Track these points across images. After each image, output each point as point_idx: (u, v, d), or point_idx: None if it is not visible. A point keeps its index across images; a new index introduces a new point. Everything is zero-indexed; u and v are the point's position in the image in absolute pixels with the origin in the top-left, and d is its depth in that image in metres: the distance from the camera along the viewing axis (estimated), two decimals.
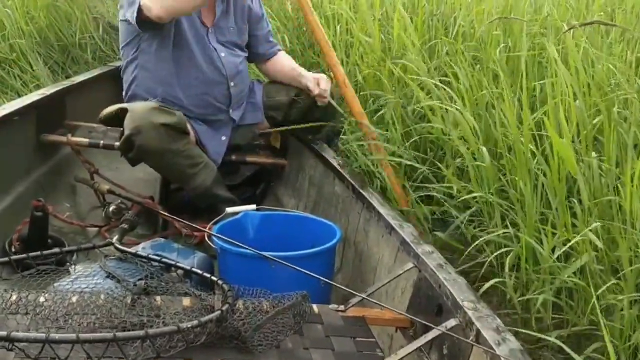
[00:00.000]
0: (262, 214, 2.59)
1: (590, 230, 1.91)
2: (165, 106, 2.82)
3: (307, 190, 3.10)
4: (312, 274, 1.90)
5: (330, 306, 2.01)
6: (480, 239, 2.24)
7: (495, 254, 2.19)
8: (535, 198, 2.16)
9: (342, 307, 2.01)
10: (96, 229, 3.03)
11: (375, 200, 2.40)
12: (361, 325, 1.94)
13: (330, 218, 2.78)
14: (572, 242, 1.93)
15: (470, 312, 1.68)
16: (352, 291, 1.94)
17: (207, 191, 2.92)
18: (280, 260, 2.00)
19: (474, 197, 2.39)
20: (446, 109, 2.64)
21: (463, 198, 2.42)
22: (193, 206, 3.12)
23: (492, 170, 2.38)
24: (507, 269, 2.08)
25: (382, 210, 2.31)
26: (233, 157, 3.17)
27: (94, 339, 1.45)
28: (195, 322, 1.57)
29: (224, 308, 1.68)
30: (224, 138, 3.02)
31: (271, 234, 2.57)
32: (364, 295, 1.96)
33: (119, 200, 3.07)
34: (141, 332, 1.49)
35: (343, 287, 1.92)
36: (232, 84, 2.99)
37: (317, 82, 3.00)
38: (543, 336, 1.85)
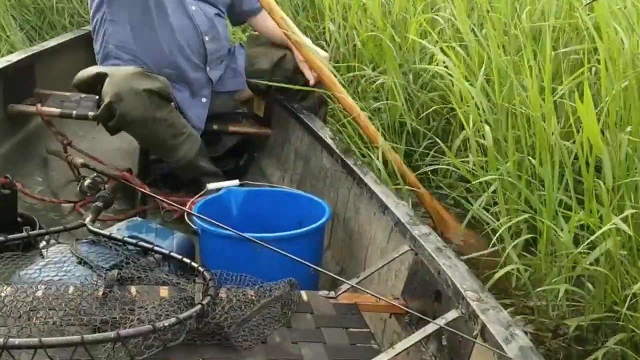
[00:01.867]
0: (246, 190, 2.44)
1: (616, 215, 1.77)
2: (148, 70, 2.64)
3: (293, 163, 2.94)
4: (300, 260, 1.75)
5: (320, 293, 1.87)
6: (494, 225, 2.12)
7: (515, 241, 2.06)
8: (554, 178, 2.02)
9: (332, 294, 1.87)
10: (71, 205, 2.86)
11: (367, 177, 2.25)
12: (354, 313, 1.81)
13: (318, 193, 2.63)
14: (603, 229, 1.78)
15: (474, 304, 1.54)
16: (344, 280, 1.80)
17: (190, 163, 2.77)
18: (265, 244, 1.85)
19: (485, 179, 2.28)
20: (451, 77, 2.48)
21: (477, 181, 2.29)
22: (174, 178, 2.97)
23: (512, 145, 2.23)
24: (514, 256, 1.94)
25: (374, 187, 2.16)
26: (215, 127, 3.00)
27: (58, 343, 1.30)
28: (173, 319, 1.42)
29: (204, 302, 1.53)
30: (204, 100, 2.86)
31: (256, 210, 2.42)
32: (354, 284, 1.82)
33: (95, 174, 2.89)
34: (112, 334, 1.34)
35: (335, 276, 1.77)
36: (206, 38, 2.84)
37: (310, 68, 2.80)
38: (564, 322, 1.72)
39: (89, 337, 1.31)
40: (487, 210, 2.34)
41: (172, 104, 2.68)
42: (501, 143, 2.32)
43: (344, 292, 1.87)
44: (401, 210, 2.00)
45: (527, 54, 2.31)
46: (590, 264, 1.81)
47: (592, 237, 1.80)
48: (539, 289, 1.98)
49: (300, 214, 2.38)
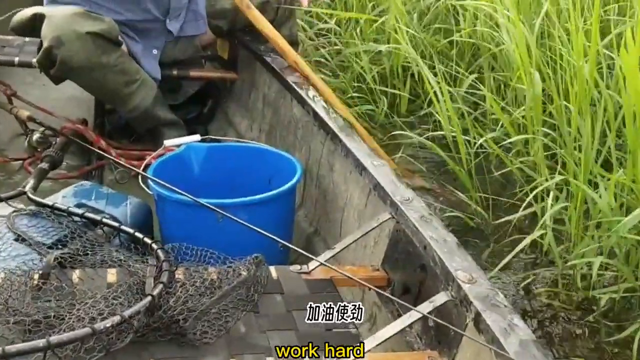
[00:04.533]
0: (208, 146, 2.20)
1: None
2: (92, 11, 2.35)
3: (261, 111, 2.69)
4: (269, 234, 1.53)
5: (292, 268, 1.66)
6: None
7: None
8: (595, 132, 1.86)
9: (305, 268, 1.66)
10: (19, 162, 2.61)
11: (343, 131, 2.02)
12: (329, 290, 1.61)
13: (289, 145, 2.41)
14: None
15: (465, 286, 1.35)
16: (316, 259, 1.58)
17: (146, 113, 2.53)
18: (228, 215, 1.63)
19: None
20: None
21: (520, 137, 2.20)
22: (133, 129, 2.71)
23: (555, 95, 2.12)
24: (548, 220, 1.77)
25: (349, 144, 1.93)
26: (174, 72, 2.73)
27: None
28: (116, 318, 1.21)
29: (155, 293, 1.31)
30: (155, 52, 2.58)
31: (220, 168, 2.20)
32: (323, 261, 1.61)
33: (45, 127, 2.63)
34: (41, 343, 1.13)
35: (309, 255, 1.56)
36: None
37: None
38: (596, 293, 1.55)
39: (12, 349, 1.10)
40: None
41: (123, 47, 2.41)
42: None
43: (319, 265, 1.66)
44: (381, 171, 1.78)
45: None
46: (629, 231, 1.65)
47: None
48: (573, 262, 1.83)
49: (269, 170, 2.16)
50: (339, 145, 1.99)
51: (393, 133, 2.77)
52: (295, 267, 1.66)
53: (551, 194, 1.97)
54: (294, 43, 2.76)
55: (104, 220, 1.73)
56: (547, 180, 2.03)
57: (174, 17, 2.60)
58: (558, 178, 1.99)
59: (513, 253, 1.93)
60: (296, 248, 1.51)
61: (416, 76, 2.93)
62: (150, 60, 2.56)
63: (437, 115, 2.58)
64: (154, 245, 1.56)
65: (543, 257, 2.00)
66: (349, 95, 3.07)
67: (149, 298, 1.29)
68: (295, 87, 2.34)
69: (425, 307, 1.39)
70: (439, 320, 1.28)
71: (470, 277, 1.37)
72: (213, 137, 2.28)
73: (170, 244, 1.67)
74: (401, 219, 1.63)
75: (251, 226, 1.58)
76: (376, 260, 1.76)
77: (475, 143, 2.41)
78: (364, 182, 1.85)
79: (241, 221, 1.60)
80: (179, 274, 1.50)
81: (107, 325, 1.19)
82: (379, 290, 1.50)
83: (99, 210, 1.86)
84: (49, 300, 1.31)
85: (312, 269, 1.65)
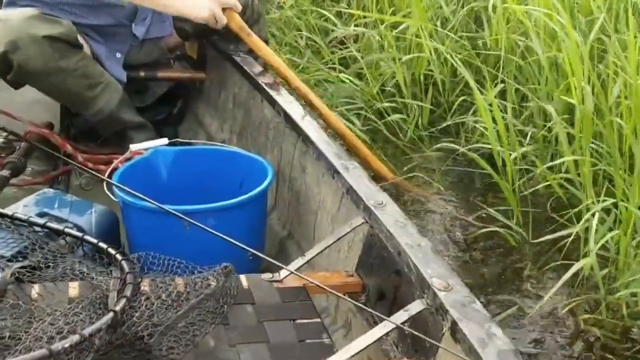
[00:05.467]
0: (175, 149, 2.14)
1: None
2: (49, 13, 2.27)
3: (231, 111, 2.63)
4: (239, 244, 1.47)
5: (263, 276, 1.60)
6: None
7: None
8: None
9: (277, 276, 1.61)
10: None
11: (314, 133, 1.96)
12: (302, 299, 1.55)
13: (261, 147, 2.35)
14: None
15: (441, 294, 1.30)
16: (288, 268, 1.53)
17: (111, 116, 2.45)
18: (195, 223, 1.57)
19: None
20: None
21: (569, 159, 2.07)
22: (101, 132, 2.63)
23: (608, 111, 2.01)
24: (592, 245, 1.73)
25: (321, 146, 1.88)
26: (141, 74, 2.66)
27: None
28: (75, 338, 1.14)
29: (117, 308, 1.25)
30: (119, 55, 2.50)
31: (189, 172, 2.14)
32: (293, 271, 1.56)
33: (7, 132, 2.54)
34: None
35: (280, 265, 1.50)
36: None
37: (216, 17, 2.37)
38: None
39: None
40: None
41: (85, 50, 2.33)
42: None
43: (291, 273, 1.60)
44: (353, 174, 1.73)
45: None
46: None
47: None
48: (613, 290, 1.79)
49: (240, 174, 2.11)
50: (311, 147, 1.94)
51: (437, 146, 2.63)
52: (267, 276, 1.60)
53: (596, 215, 1.86)
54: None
55: (67, 230, 1.66)
56: (594, 202, 1.93)
57: (140, 21, 2.53)
58: (609, 201, 1.89)
59: (560, 282, 1.84)
60: (266, 257, 1.45)
61: (439, 85, 2.79)
62: (114, 63, 2.48)
63: (476, 126, 2.48)
64: (118, 256, 1.50)
65: (584, 280, 1.90)
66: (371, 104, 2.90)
67: (111, 314, 1.23)
68: (266, 88, 2.28)
69: (401, 316, 1.34)
70: (414, 332, 1.24)
71: (446, 284, 1.32)
72: (181, 140, 2.21)
73: (137, 254, 1.60)
74: (375, 223, 1.58)
75: (219, 234, 1.52)
76: (350, 265, 1.71)
77: (516, 157, 2.26)
78: (336, 186, 1.80)
79: (208, 229, 1.55)
80: (145, 286, 1.44)
81: (66, 345, 1.13)
82: (353, 302, 1.45)
83: (62, 219, 1.79)
84: (4, 319, 1.25)
85: (284, 277, 1.60)
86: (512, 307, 1.93)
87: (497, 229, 2.16)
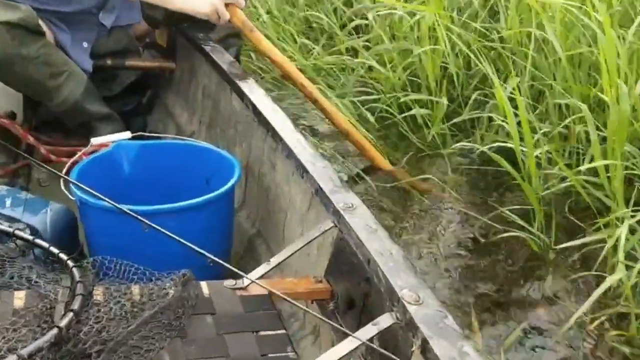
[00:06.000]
0: (139, 143, 2.04)
1: None
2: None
3: (201, 103, 2.53)
4: (201, 250, 1.39)
5: (226, 283, 1.52)
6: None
7: None
8: None
9: (240, 283, 1.52)
10: None
11: (284, 129, 1.87)
12: (267, 308, 1.47)
13: (230, 140, 2.26)
14: None
15: (411, 308, 1.22)
16: (252, 280, 1.44)
17: (76, 106, 2.35)
18: (155, 226, 1.48)
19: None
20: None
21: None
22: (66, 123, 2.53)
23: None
24: (621, 257, 1.61)
25: (291, 144, 1.78)
26: (108, 62, 2.55)
27: None
28: (13, 359, 1.05)
29: (62, 324, 1.16)
30: (85, 45, 2.39)
31: (154, 167, 2.04)
32: (254, 281, 1.47)
33: None
34: None
35: (242, 274, 1.41)
36: None
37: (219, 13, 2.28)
38: None
39: None
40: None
41: (47, 37, 2.22)
42: None
43: (258, 279, 1.51)
44: (323, 174, 1.64)
45: None
46: None
47: None
48: None
49: (207, 170, 2.01)
50: (280, 144, 1.85)
51: (458, 145, 2.47)
52: (230, 282, 1.51)
53: (625, 222, 1.75)
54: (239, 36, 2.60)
55: (17, 232, 1.56)
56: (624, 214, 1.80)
57: (109, 10, 2.42)
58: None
59: (593, 298, 1.72)
60: (228, 265, 1.36)
61: (455, 80, 2.64)
62: (80, 52, 2.37)
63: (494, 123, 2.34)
64: (70, 263, 1.40)
65: (609, 289, 1.77)
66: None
67: (55, 331, 1.14)
68: (235, 80, 2.18)
69: (369, 331, 1.26)
70: (382, 350, 1.16)
71: (416, 297, 1.24)
72: (144, 133, 2.11)
73: (92, 258, 1.51)
74: (344, 228, 1.49)
75: (177, 238, 1.43)
76: (319, 270, 1.63)
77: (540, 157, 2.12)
78: (306, 186, 1.71)
79: (166, 232, 1.46)
80: (98, 295, 1.35)
81: None
82: (320, 317, 1.37)
83: (14, 219, 1.70)
84: None
85: (249, 284, 1.51)
86: (531, 320, 1.82)
87: (518, 232, 2.03)
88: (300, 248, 1.56)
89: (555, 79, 2.32)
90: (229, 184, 1.80)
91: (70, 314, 1.19)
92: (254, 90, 2.09)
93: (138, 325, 1.22)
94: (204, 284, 1.49)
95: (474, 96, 2.56)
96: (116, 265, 1.50)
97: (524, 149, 2.10)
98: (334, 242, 1.58)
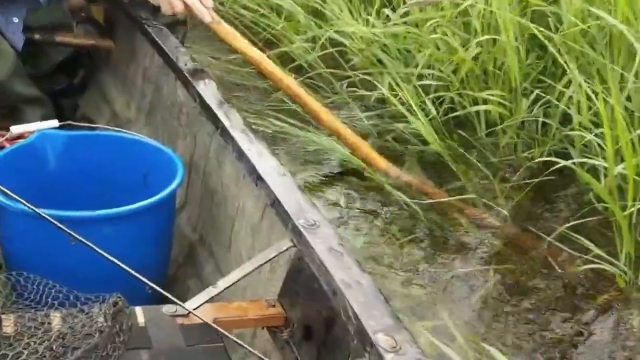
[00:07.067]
0: (67, 134, 1.80)
1: None
2: None
3: (141, 87, 2.28)
4: (135, 273, 1.17)
5: (165, 308, 1.29)
6: None
7: None
8: None
9: (182, 310, 1.30)
10: None
11: (235, 126, 1.65)
12: (210, 339, 1.26)
13: (171, 131, 2.04)
14: None
15: (389, 357, 1.03)
16: (193, 306, 1.23)
17: (1, 87, 2.10)
18: (81, 239, 1.25)
19: None
20: None
21: None
22: None
23: None
24: None
25: (243, 145, 1.57)
26: (36, 36, 2.27)
27: None
28: None
29: None
30: (16, 20, 2.14)
31: (84, 161, 1.81)
32: (197, 307, 1.26)
33: None
34: None
35: (184, 306, 1.20)
36: None
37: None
38: None
39: None
40: None
41: None
42: None
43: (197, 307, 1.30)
44: (281, 183, 1.43)
45: None
46: None
47: None
48: None
49: (145, 165, 1.80)
50: (230, 144, 1.63)
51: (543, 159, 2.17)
52: (170, 308, 1.29)
53: None
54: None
55: None
56: None
57: None
58: None
59: None
60: (169, 295, 1.15)
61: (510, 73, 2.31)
62: (9, 28, 2.12)
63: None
64: None
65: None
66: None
67: None
68: (180, 66, 1.94)
69: None
70: None
71: (393, 342, 1.05)
72: (74, 123, 1.87)
73: (4, 275, 1.28)
74: (305, 249, 1.29)
75: (107, 255, 1.21)
76: (272, 291, 1.43)
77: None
78: (259, 194, 1.50)
79: (95, 247, 1.23)
80: (7, 326, 1.12)
81: None
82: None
83: None
84: None
85: (189, 313, 1.29)
86: None
87: (602, 264, 1.81)
88: (251, 271, 1.36)
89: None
90: (172, 186, 1.58)
91: None
92: (202, 80, 1.86)
93: None
94: (139, 310, 1.27)
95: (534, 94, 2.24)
96: (34, 283, 1.27)
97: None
98: (290, 261, 1.38)
